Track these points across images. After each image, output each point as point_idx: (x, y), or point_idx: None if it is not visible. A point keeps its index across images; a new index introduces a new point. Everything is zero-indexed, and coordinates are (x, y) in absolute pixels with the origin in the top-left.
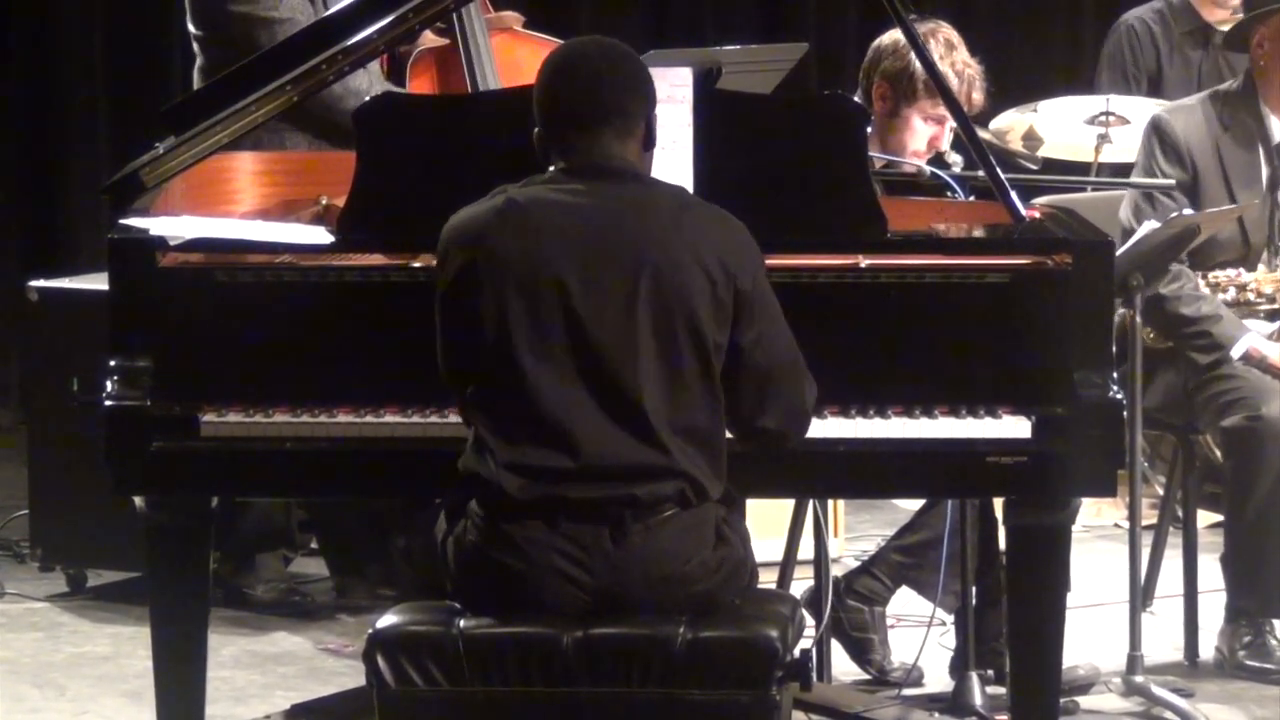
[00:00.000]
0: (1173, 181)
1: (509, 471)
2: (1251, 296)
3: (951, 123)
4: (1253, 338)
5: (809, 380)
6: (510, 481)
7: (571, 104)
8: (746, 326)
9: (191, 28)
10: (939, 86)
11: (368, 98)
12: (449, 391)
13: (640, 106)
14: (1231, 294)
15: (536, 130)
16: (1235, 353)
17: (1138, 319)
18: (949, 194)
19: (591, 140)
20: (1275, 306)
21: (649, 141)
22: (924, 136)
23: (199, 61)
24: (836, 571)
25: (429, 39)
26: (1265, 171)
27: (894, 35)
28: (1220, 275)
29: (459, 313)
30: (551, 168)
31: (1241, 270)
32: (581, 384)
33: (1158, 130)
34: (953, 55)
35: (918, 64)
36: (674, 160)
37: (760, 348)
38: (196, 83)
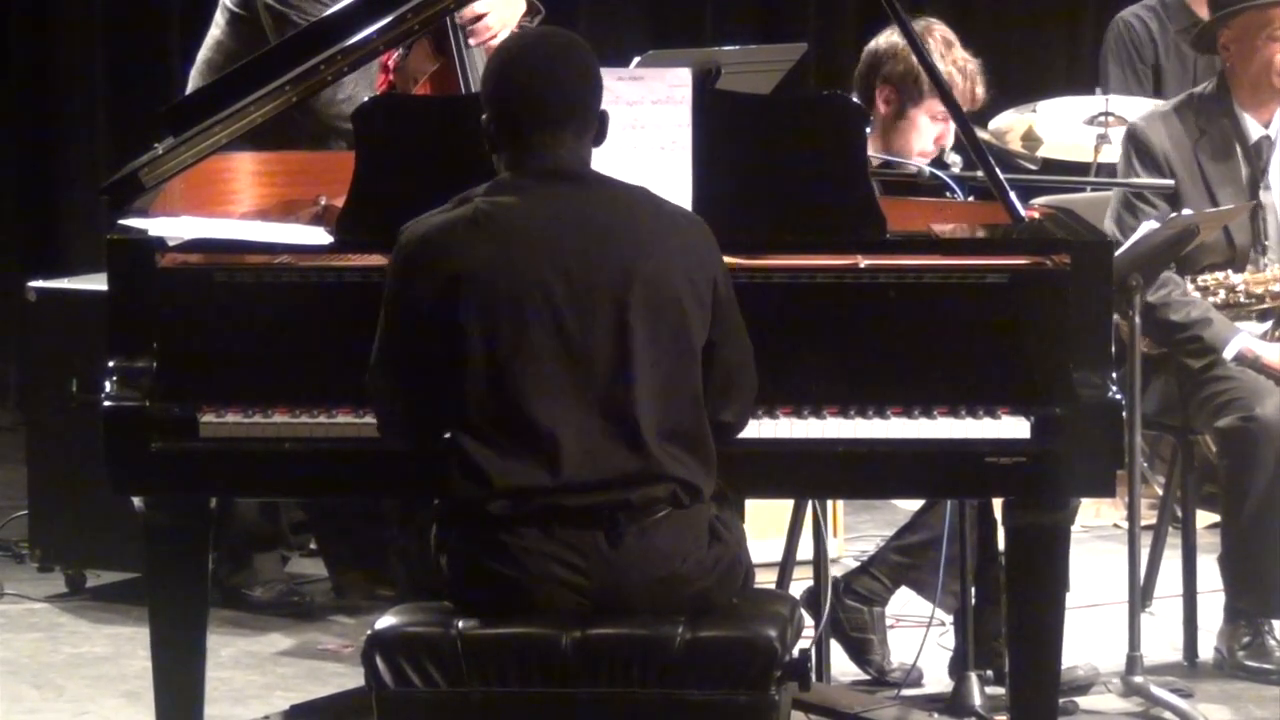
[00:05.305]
0: (1171, 182)
1: (499, 497)
2: (1242, 298)
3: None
4: (1245, 338)
5: (755, 376)
6: (498, 506)
7: (532, 101)
8: (715, 323)
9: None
10: (939, 88)
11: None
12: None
13: (595, 101)
14: (1222, 296)
15: (486, 125)
16: (1228, 354)
17: (1136, 319)
18: (948, 194)
19: (552, 140)
20: (1266, 306)
21: (600, 137)
22: (930, 135)
23: (217, 32)
24: (836, 571)
25: (421, 59)
26: (1245, 172)
27: (889, 38)
28: (1208, 279)
29: (439, 329)
30: (505, 170)
31: (1229, 272)
32: (572, 396)
33: (1134, 140)
34: (952, 53)
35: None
36: (674, 160)
37: (728, 343)
38: (204, 50)
